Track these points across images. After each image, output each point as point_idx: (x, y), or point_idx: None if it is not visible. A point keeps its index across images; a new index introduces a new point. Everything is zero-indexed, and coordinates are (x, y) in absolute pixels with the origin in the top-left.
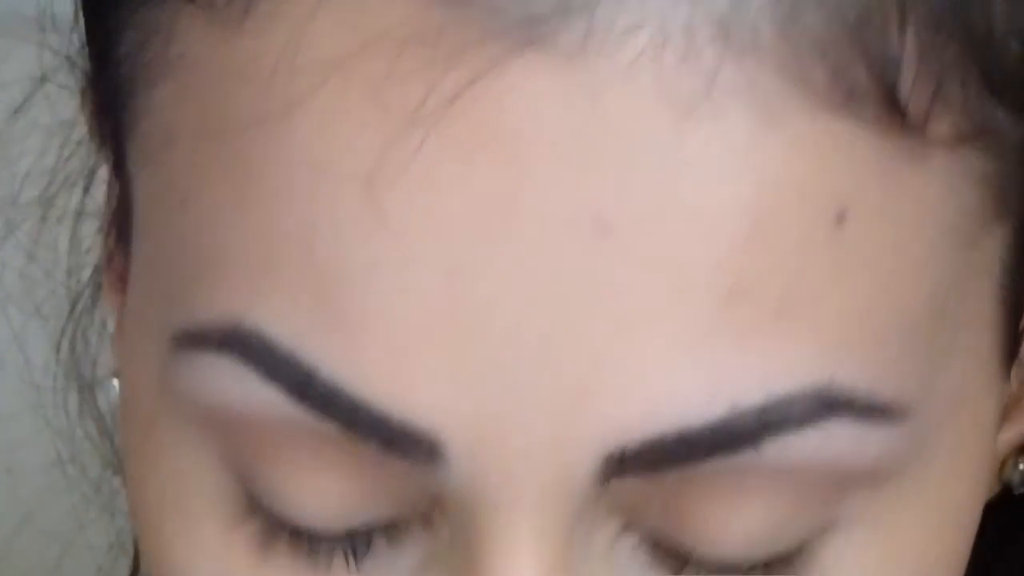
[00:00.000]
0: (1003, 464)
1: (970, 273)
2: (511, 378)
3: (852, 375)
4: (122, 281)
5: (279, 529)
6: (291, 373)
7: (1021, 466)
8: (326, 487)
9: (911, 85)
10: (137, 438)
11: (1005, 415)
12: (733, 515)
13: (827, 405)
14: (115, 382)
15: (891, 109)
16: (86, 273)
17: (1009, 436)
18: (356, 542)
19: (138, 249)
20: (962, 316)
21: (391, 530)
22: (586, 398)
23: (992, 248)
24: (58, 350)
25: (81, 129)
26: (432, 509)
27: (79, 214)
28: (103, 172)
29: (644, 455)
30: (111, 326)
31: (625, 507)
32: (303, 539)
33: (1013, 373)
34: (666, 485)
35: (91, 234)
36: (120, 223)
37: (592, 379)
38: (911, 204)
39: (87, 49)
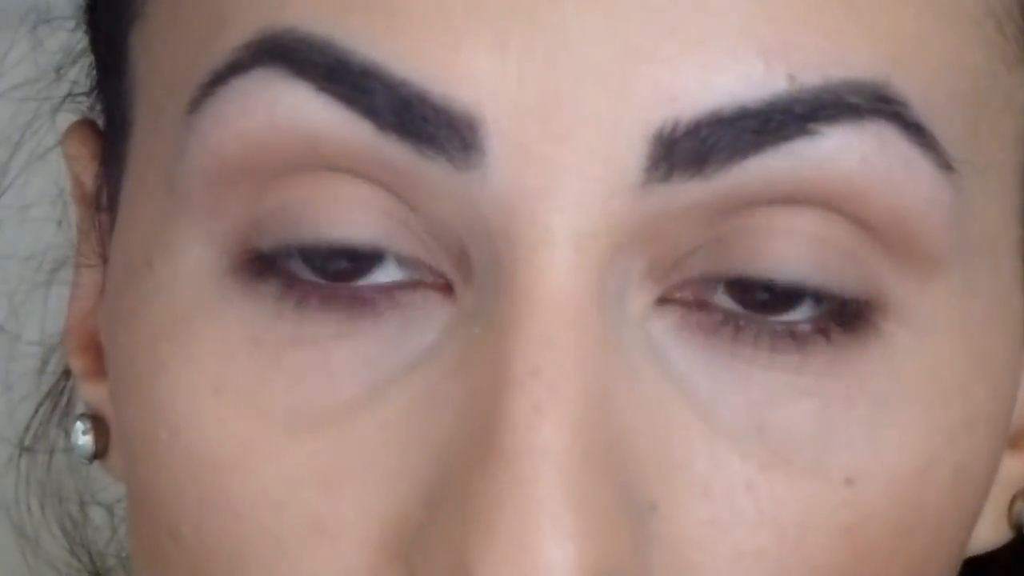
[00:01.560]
0: (1012, 503)
1: (1003, 94)
2: (557, 45)
3: (906, 87)
4: (102, 247)
5: (291, 289)
6: (326, 61)
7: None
8: (352, 219)
9: None
10: (126, 297)
11: (1013, 443)
12: (781, 251)
13: (883, 99)
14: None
15: None
16: None
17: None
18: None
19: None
20: (995, 149)
21: (410, 291)
22: (639, 63)
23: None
24: None
25: None
26: (459, 263)
27: None
28: None
29: (696, 135)
30: None
31: (663, 240)
32: (316, 296)
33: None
34: (709, 209)
35: None
36: (115, 133)
37: (646, 42)
38: None
39: None
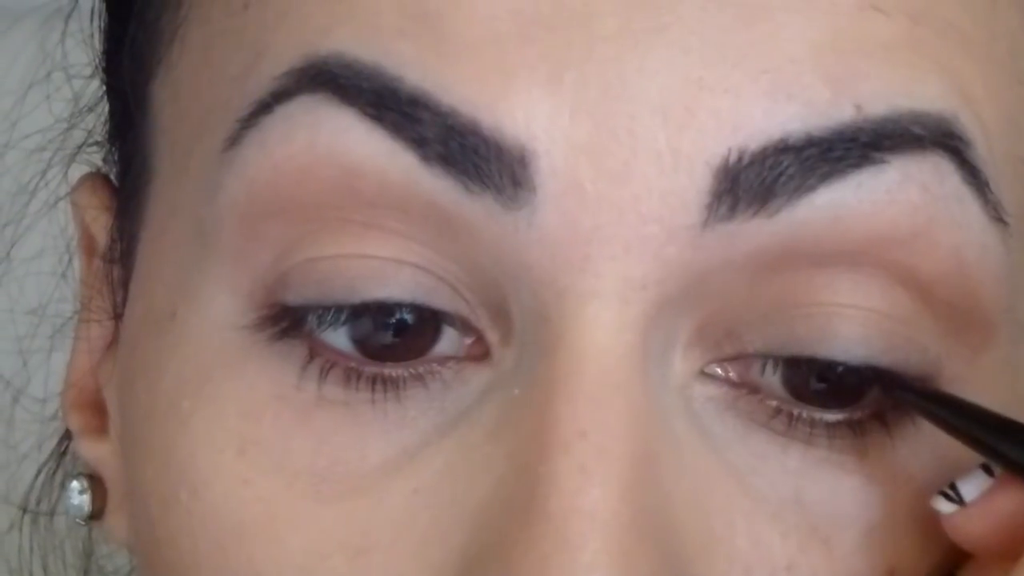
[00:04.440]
0: None
1: None
2: (614, 77)
3: (969, 129)
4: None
5: (316, 357)
6: (373, 87)
7: None
8: (385, 275)
9: None
10: (146, 350)
11: None
12: (848, 330)
13: (947, 134)
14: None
15: None
16: None
17: None
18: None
19: (176, 101)
20: None
21: (441, 367)
22: (700, 94)
23: None
24: None
25: None
26: (498, 319)
27: None
28: None
29: (763, 164)
30: None
31: (716, 298)
32: (341, 369)
33: None
34: (769, 258)
35: None
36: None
37: (708, 72)
38: None
39: None
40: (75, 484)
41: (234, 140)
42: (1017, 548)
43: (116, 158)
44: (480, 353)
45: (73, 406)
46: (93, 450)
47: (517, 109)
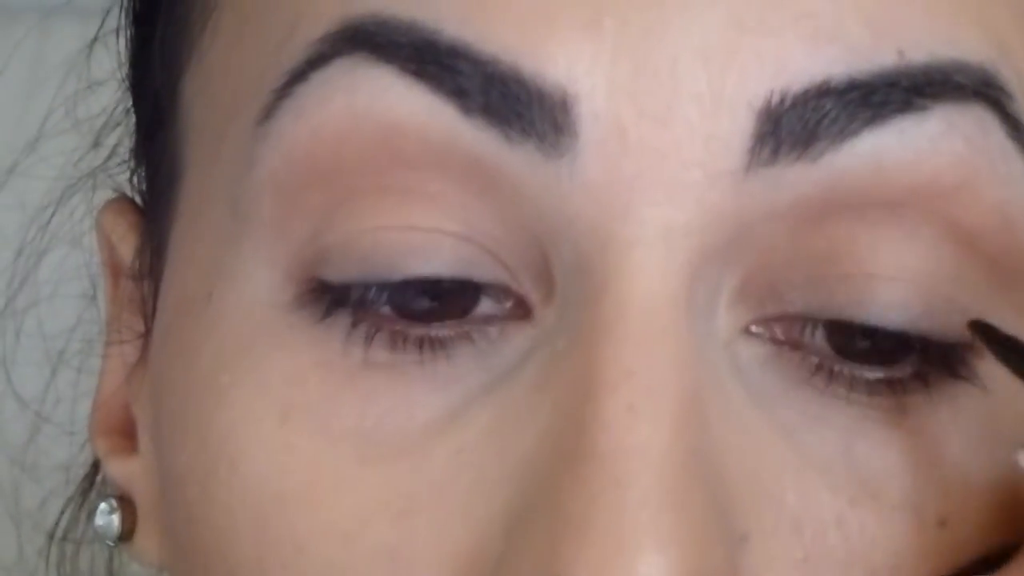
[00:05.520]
0: None
1: None
2: (654, 20)
3: (1011, 81)
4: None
5: (361, 323)
6: (411, 41)
7: None
8: (427, 250)
9: None
10: (182, 335)
11: None
12: (888, 295)
13: (989, 84)
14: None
15: None
16: None
17: None
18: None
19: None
20: None
21: (486, 326)
22: (742, 36)
23: None
24: None
25: None
26: (540, 279)
27: None
28: None
29: (805, 107)
30: None
31: (759, 250)
32: (387, 332)
33: None
34: (812, 206)
35: None
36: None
37: (750, 14)
38: None
39: None
40: (103, 505)
41: (269, 112)
42: None
43: (144, 173)
44: (523, 313)
45: (100, 429)
46: (122, 468)
47: (558, 54)
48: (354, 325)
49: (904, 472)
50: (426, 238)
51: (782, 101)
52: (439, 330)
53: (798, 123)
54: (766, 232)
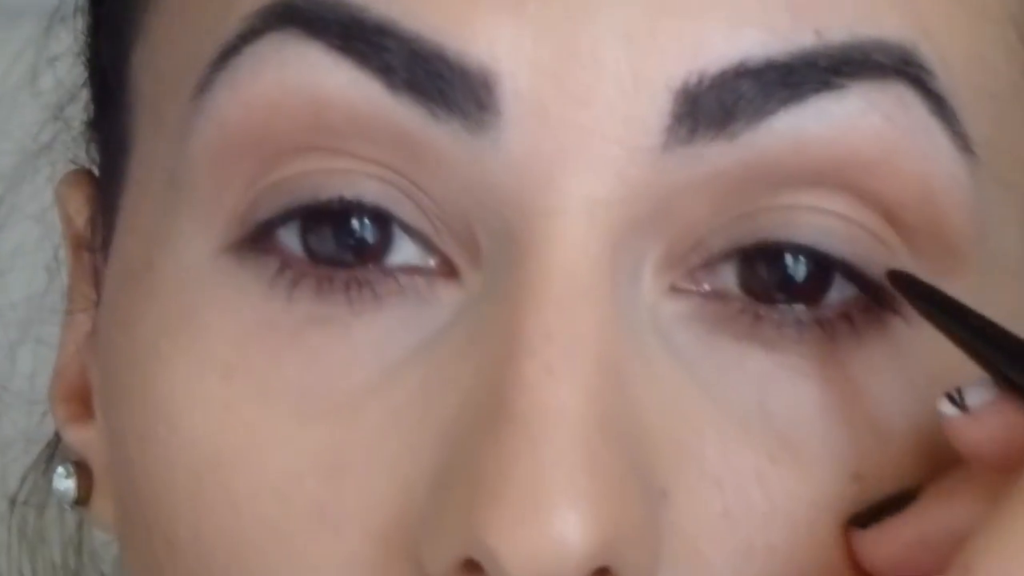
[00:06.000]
0: None
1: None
2: (577, 1)
3: (932, 59)
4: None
5: (287, 269)
6: (339, 19)
7: None
8: (355, 184)
9: None
10: (124, 302)
11: None
12: (811, 222)
13: (908, 63)
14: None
15: None
16: None
17: None
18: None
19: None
20: (1017, 172)
21: (414, 276)
22: (661, 18)
23: None
24: None
25: None
26: (466, 246)
27: None
28: None
29: (722, 88)
30: None
31: (681, 221)
32: (312, 277)
33: None
34: (732, 181)
35: None
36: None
37: None
38: None
39: None
40: (60, 469)
41: (204, 85)
42: (1013, 460)
43: (97, 145)
44: (449, 272)
45: (60, 397)
46: (79, 434)
47: (481, 34)
48: (280, 271)
49: (821, 426)
50: (351, 173)
51: (699, 82)
52: (363, 273)
53: (715, 103)
54: (687, 204)
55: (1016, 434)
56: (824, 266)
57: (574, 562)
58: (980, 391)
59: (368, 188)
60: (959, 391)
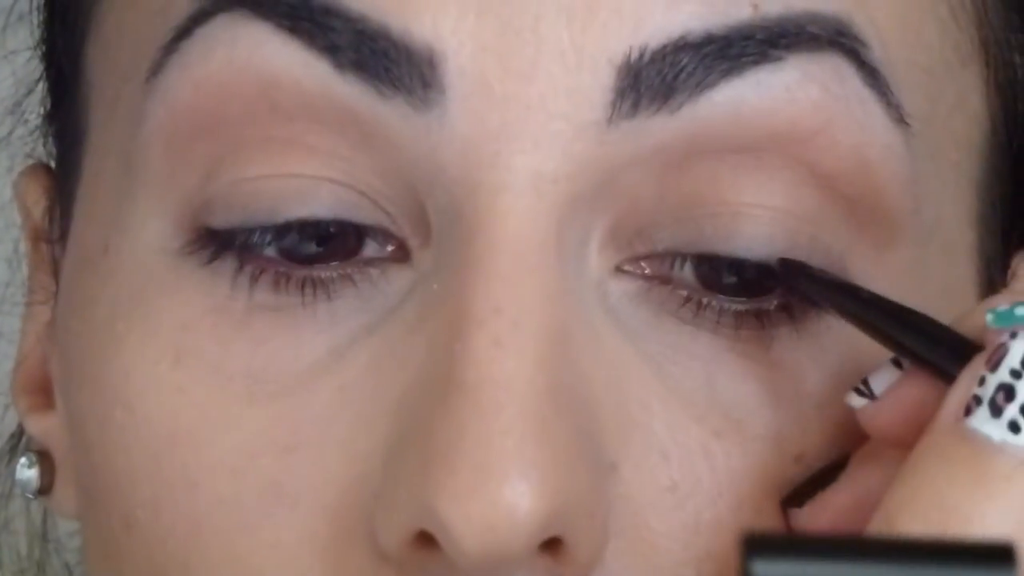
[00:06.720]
0: None
1: (956, 90)
2: None
3: (866, 31)
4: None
5: (246, 266)
6: (287, 0)
7: None
8: (307, 195)
9: None
10: (81, 287)
11: None
12: (753, 230)
13: (843, 34)
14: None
15: None
16: None
17: None
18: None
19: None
20: (949, 146)
21: (367, 268)
22: None
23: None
24: None
25: None
26: (417, 225)
27: None
28: None
29: (663, 61)
30: None
31: (627, 197)
32: (270, 275)
33: None
34: (675, 154)
35: None
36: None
37: None
38: None
39: None
40: (23, 459)
41: (156, 68)
42: (915, 437)
43: (54, 137)
44: (402, 256)
45: (21, 388)
46: (40, 424)
47: (424, 12)
48: (240, 268)
49: (765, 406)
50: (306, 183)
51: (641, 56)
52: (322, 271)
53: (656, 77)
54: (632, 179)
55: (921, 411)
56: (768, 270)
57: (525, 531)
58: (883, 375)
59: (324, 200)
60: (864, 381)
